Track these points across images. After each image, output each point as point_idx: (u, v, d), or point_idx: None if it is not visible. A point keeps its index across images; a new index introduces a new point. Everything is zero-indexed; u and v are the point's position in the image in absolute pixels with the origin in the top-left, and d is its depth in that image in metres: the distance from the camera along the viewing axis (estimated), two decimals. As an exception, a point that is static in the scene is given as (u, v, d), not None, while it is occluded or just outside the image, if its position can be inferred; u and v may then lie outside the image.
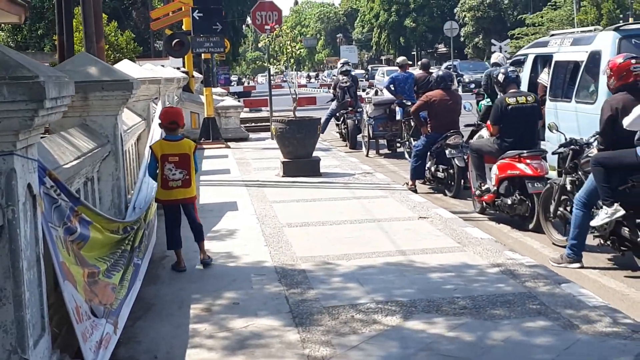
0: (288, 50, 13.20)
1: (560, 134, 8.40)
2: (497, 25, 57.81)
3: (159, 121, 7.43)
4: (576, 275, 6.79)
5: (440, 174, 11.44)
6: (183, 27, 20.29)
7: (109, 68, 6.71)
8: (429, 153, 11.60)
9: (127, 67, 9.13)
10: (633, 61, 7.03)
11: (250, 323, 5.46)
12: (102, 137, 6.47)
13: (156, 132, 8.70)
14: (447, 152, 11.04)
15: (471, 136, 12.80)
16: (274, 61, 15.57)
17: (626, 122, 6.67)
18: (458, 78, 32.30)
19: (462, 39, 58.30)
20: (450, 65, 39.66)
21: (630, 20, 38.86)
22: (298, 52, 13.46)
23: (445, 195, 11.31)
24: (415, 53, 66.14)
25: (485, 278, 6.37)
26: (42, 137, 4.40)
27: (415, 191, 11.31)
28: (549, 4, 50.49)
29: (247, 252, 7.57)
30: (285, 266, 6.98)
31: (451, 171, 11.14)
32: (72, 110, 6.03)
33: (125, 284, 5.32)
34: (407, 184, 11.69)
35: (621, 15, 41.78)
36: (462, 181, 11.03)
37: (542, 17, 49.87)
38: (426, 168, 11.72)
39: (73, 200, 4.43)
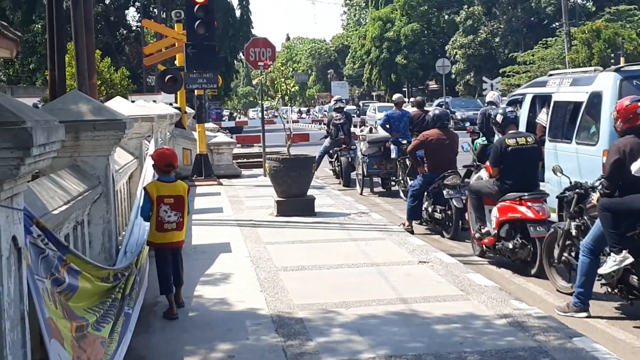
0: (282, 87, 13.05)
1: (565, 177, 8.20)
2: (488, 63, 58.14)
3: (153, 162, 7.19)
4: (584, 325, 6.57)
5: (437, 215, 11.25)
6: (176, 62, 20.19)
7: (101, 106, 6.48)
8: (425, 193, 11.43)
9: (119, 105, 8.90)
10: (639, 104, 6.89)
11: (247, 378, 5.18)
12: (94, 178, 6.22)
13: (149, 171, 8.47)
14: (444, 192, 10.91)
15: (467, 176, 12.75)
16: (267, 97, 15.42)
17: (634, 168, 6.50)
18: (450, 115, 32.29)
19: (453, 76, 58.55)
20: (443, 102, 39.83)
21: (622, 60, 39.06)
22: (292, 89, 13.29)
23: (443, 236, 11.13)
24: (406, 89, 66.45)
25: (493, 330, 6.08)
26: (29, 181, 4.14)
27: (412, 232, 11.12)
28: (540, 42, 50.91)
29: (241, 299, 7.25)
30: (282, 314, 6.68)
31: (449, 212, 10.98)
32: (62, 150, 5.73)
33: (115, 336, 5.02)
34: (404, 224, 11.49)
35: (612, 55, 42.02)
36: (460, 222, 10.85)
37: (533, 55, 50.25)
38: (423, 208, 11.53)
39: (62, 249, 4.16)
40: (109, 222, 6.44)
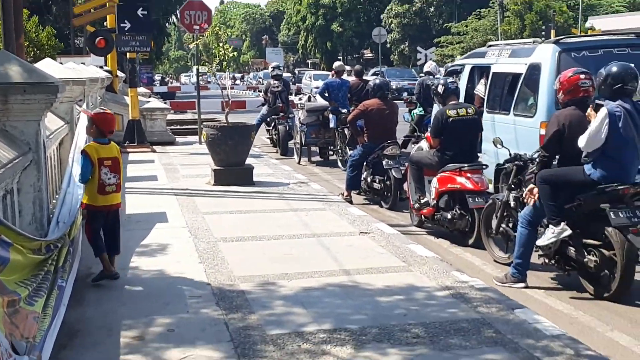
0: (220, 52, 12.73)
1: (505, 148, 8.22)
2: (423, 33, 58.39)
3: (93, 124, 6.96)
4: (522, 295, 6.61)
5: (376, 185, 11.24)
6: (106, 24, 19.60)
7: (31, 68, 6.16)
8: (364, 163, 11.38)
9: (49, 67, 8.51)
10: (582, 76, 6.91)
11: (188, 354, 5.00)
12: (23, 144, 5.94)
13: (81, 136, 8.17)
14: (384, 163, 10.90)
15: (404, 146, 12.76)
16: (204, 62, 15.07)
17: (581, 142, 6.55)
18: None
19: (388, 45, 58.62)
20: (378, 71, 39.84)
21: (553, 32, 39.65)
22: (230, 54, 12.98)
23: (381, 206, 11.11)
24: (341, 57, 66.11)
25: (436, 302, 6.06)
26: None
27: (350, 202, 11.10)
28: (473, 13, 51.39)
29: (180, 270, 7.05)
30: (223, 286, 6.52)
31: (387, 182, 10.99)
32: (-10, 114, 5.51)
33: (48, 311, 4.81)
34: (343, 194, 11.44)
35: (543, 27, 42.70)
36: (399, 193, 10.86)
37: (466, 26, 50.78)
38: (362, 178, 11.49)
39: (-9, 220, 3.94)
40: (40, 190, 6.18)
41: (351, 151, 12.39)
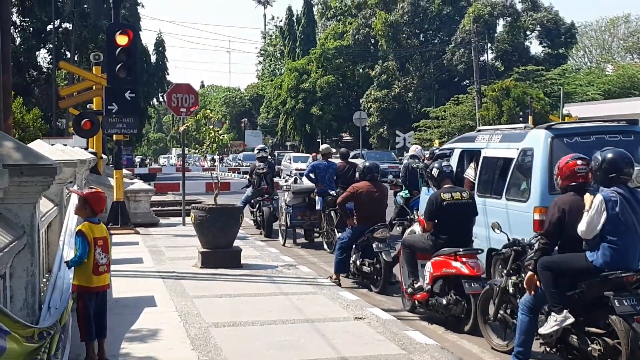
0: (210, 135, 12.76)
1: (503, 233, 8.18)
2: (401, 117, 59.13)
3: (85, 203, 6.97)
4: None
5: (365, 268, 11.14)
6: (92, 106, 19.64)
7: (29, 150, 6.05)
8: (354, 246, 11.31)
9: (42, 148, 8.42)
10: (579, 162, 6.98)
11: None
12: (18, 227, 5.78)
13: (71, 219, 8.02)
14: (374, 245, 10.89)
15: (390, 229, 12.72)
16: (196, 145, 15.03)
17: (581, 228, 6.53)
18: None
19: (367, 128, 59.33)
20: (359, 154, 40.15)
21: (530, 118, 40.33)
22: (221, 137, 13.01)
23: (371, 290, 10.99)
24: (320, 140, 66.71)
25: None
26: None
27: (339, 285, 10.97)
28: (451, 99, 52.25)
29: (173, 358, 6.85)
30: (219, 376, 6.33)
31: (377, 266, 10.90)
32: (-16, 197, 5.37)
33: (41, 404, 4.58)
34: (331, 277, 11.32)
35: (521, 113, 43.37)
36: (389, 276, 10.76)
37: (444, 111, 51.57)
38: (351, 261, 11.41)
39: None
40: (33, 275, 5.99)
41: (340, 234, 12.33)
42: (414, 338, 7.60)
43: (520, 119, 41.50)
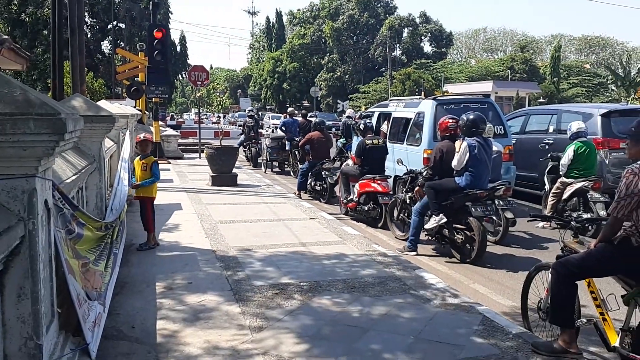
0: (218, 100, 12.47)
1: (404, 165, 8.22)
2: (341, 91, 58.56)
3: (151, 146, 7.15)
4: (415, 260, 6.55)
5: (317, 187, 11.17)
6: (137, 79, 18.93)
7: (97, 106, 5.81)
8: (310, 173, 11.29)
9: (105, 105, 8.12)
10: (450, 121, 7.04)
11: (202, 299, 4.79)
12: (90, 157, 5.60)
13: (125, 152, 7.79)
14: (323, 173, 10.87)
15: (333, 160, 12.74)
16: (208, 106, 14.71)
17: (453, 163, 6.59)
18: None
19: (319, 98, 58.70)
20: (314, 114, 39.70)
21: (423, 93, 40.30)
22: (224, 102, 12.72)
23: (320, 201, 10.99)
24: (288, 105, 65.70)
25: (364, 264, 5.94)
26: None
27: (300, 198, 10.95)
28: (373, 80, 51.89)
29: (193, 242, 6.79)
30: (223, 253, 6.29)
31: (325, 185, 10.93)
32: (68, 136, 5.17)
33: (108, 270, 4.53)
34: (295, 193, 11.29)
35: (417, 90, 43.25)
36: (332, 192, 10.80)
37: (369, 87, 51.19)
38: (308, 183, 11.38)
39: (73, 207, 3.67)
40: (101, 188, 5.84)
41: (301, 165, 12.30)
42: (347, 231, 7.67)
43: (416, 93, 41.53)
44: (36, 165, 2.51)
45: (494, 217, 7.18)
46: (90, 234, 4.20)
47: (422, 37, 58.90)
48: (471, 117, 6.73)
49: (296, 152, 14.12)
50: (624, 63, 47.54)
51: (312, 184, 11.27)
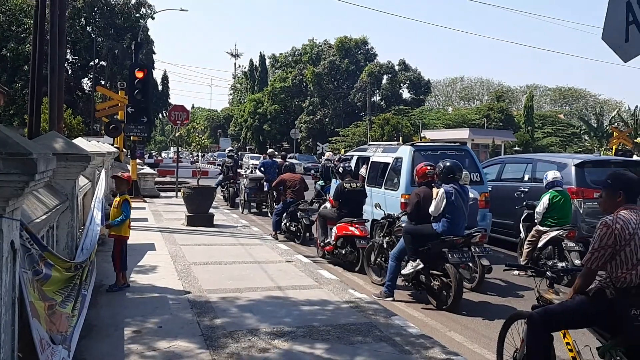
0: (196, 140, 12.47)
1: (382, 210, 8.23)
2: (321, 134, 59.12)
3: (128, 184, 7.06)
4: (391, 306, 6.49)
5: (292, 228, 11.13)
6: (117, 117, 18.89)
7: (72, 144, 5.75)
8: (284, 214, 11.25)
9: (81, 143, 8.04)
10: (428, 167, 7.09)
11: (172, 344, 4.62)
12: (63, 195, 5.49)
13: (99, 191, 7.68)
14: (298, 214, 10.88)
15: (311, 204, 12.71)
16: (186, 145, 14.67)
17: (431, 209, 6.62)
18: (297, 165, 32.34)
19: (299, 140, 59.12)
20: (293, 156, 39.94)
21: (401, 138, 40.91)
22: (203, 141, 12.71)
23: (295, 242, 10.93)
24: (268, 146, 66.03)
25: (340, 311, 5.81)
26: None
27: (276, 238, 10.87)
28: (352, 124, 52.59)
29: (165, 284, 6.60)
30: (195, 297, 6.11)
31: (299, 226, 10.92)
32: (41, 173, 5.08)
33: (76, 312, 4.36)
34: (271, 234, 11.20)
35: (395, 135, 43.90)
36: (307, 234, 10.80)
37: (349, 131, 51.77)
38: (283, 224, 11.34)
39: (42, 248, 3.56)
40: (72, 227, 5.70)
41: (276, 205, 12.29)
42: (323, 275, 7.56)
43: (395, 138, 42.12)
44: (3, 206, 2.44)
45: (470, 264, 7.18)
46: (59, 274, 4.07)
47: (401, 84, 60.23)
48: (448, 164, 6.82)
49: (274, 193, 14.08)
50: (597, 114, 49.22)
51: (287, 224, 11.22)
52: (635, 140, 31.71)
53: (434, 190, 6.82)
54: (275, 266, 7.97)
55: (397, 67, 59.99)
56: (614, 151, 25.16)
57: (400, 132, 44.38)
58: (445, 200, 6.56)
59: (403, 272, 6.87)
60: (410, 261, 6.77)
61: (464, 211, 6.72)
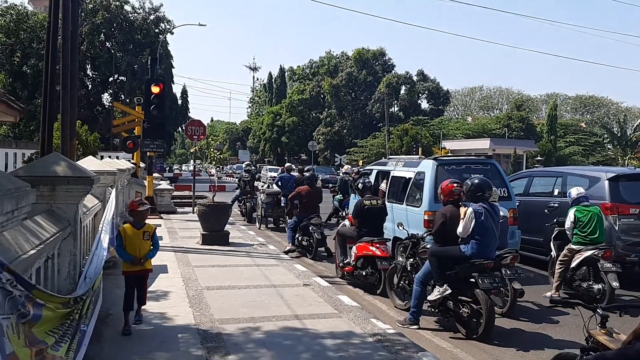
0: (212, 155, 12.18)
1: (405, 230, 7.73)
2: (339, 145, 58.82)
3: (130, 211, 6.01)
4: (416, 335, 6.01)
5: (304, 242, 10.95)
6: (135, 132, 18.72)
7: (74, 166, 5.37)
8: (297, 228, 11.10)
9: (89, 162, 7.74)
10: (455, 185, 6.60)
11: (180, 385, 4.19)
12: (65, 221, 5.10)
13: (110, 212, 7.31)
14: (310, 228, 10.74)
15: (329, 218, 12.36)
16: (204, 159, 14.42)
17: (459, 230, 6.13)
18: (317, 177, 31.94)
19: (317, 152, 58.88)
20: (311, 168, 39.56)
21: (420, 150, 40.33)
22: (221, 156, 12.41)
23: (307, 257, 10.69)
24: (286, 158, 65.95)
25: (365, 347, 5.27)
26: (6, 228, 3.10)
27: (293, 250, 10.85)
28: (370, 135, 52.18)
29: (175, 313, 6.16)
30: (206, 328, 5.66)
31: (311, 241, 10.74)
32: (41, 198, 4.72)
33: (71, 354, 3.94)
34: (287, 248, 11.04)
35: (414, 146, 43.40)
36: (319, 248, 10.62)
37: (367, 142, 51.36)
38: (295, 237, 11.16)
39: (29, 287, 3.14)
40: (75, 255, 5.30)
41: (289, 220, 12.04)
42: (343, 301, 7.03)
43: (414, 150, 41.58)
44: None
45: (502, 289, 6.65)
46: (52, 313, 3.64)
47: (420, 95, 59.77)
48: (476, 181, 6.34)
49: (288, 205, 13.80)
50: (621, 122, 48.01)
51: (299, 238, 11.07)
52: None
53: (462, 209, 6.32)
54: (292, 290, 7.49)
55: (415, 78, 59.57)
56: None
57: (419, 142, 43.82)
58: (474, 221, 6.08)
59: (429, 297, 6.39)
60: (437, 286, 6.30)
61: (494, 232, 6.22)
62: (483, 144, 41.53)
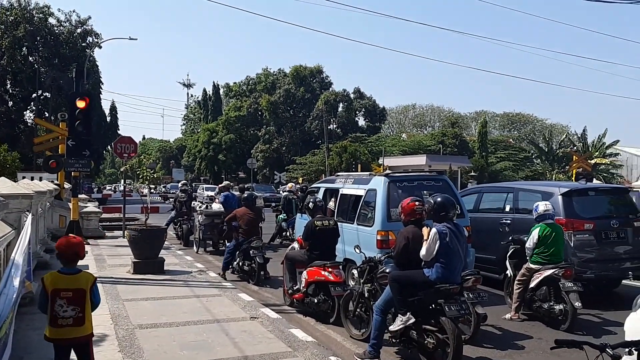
0: (145, 174, 11.15)
1: (362, 253, 7.13)
2: (278, 163, 58.10)
3: (58, 252, 4.23)
4: (379, 370, 5.38)
5: (245, 267, 10.22)
6: (59, 150, 17.23)
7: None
8: (237, 252, 10.36)
9: (2, 185, 6.65)
10: (417, 203, 6.09)
11: None
12: (-43, 256, 4.14)
13: (24, 239, 6.26)
14: (251, 252, 10.03)
15: (272, 239, 11.66)
16: (136, 179, 13.29)
17: (422, 253, 5.59)
18: (256, 196, 31.02)
19: (255, 169, 57.84)
20: (250, 186, 38.60)
21: (359, 166, 40.33)
22: (153, 175, 11.38)
23: (249, 282, 9.96)
24: (223, 177, 64.38)
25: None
26: None
27: (225, 278, 10.01)
28: (309, 152, 51.88)
29: (101, 361, 5.23)
30: (139, 380, 4.77)
31: (253, 265, 10.02)
32: None
33: None
34: (219, 274, 10.30)
35: (353, 163, 43.36)
36: (262, 272, 9.94)
37: (306, 159, 50.99)
38: (235, 263, 10.42)
39: None
40: (-25, 295, 4.32)
41: (228, 243, 11.27)
42: (297, 335, 6.27)
43: (353, 166, 41.53)
44: None
45: (470, 317, 6.18)
46: None
47: (357, 112, 60.26)
48: (439, 199, 5.86)
49: (224, 228, 12.98)
50: (547, 138, 50.33)
51: (240, 263, 10.31)
52: (589, 162, 32.14)
53: (424, 230, 5.81)
54: (239, 325, 6.64)
55: (352, 95, 60.08)
56: (574, 175, 25.14)
57: (358, 159, 43.86)
58: (438, 242, 5.57)
59: (391, 328, 5.81)
60: (399, 314, 5.71)
61: (460, 254, 5.73)
62: (420, 160, 42.10)
